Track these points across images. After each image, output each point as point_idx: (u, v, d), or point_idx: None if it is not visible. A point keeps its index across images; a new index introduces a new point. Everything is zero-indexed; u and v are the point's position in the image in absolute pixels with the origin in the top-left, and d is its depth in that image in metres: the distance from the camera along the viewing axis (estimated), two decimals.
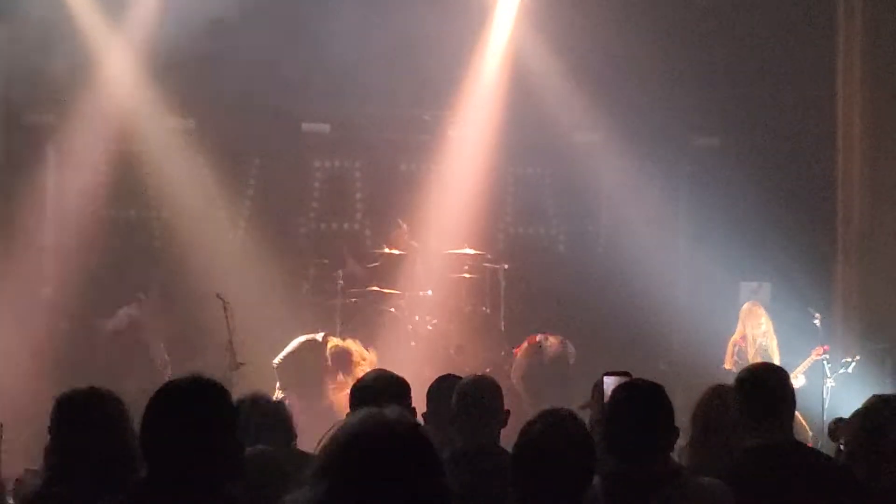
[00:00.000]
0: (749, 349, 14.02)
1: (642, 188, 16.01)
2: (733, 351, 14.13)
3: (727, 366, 13.86)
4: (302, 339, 13.97)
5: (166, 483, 4.12)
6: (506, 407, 6.27)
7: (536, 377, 14.57)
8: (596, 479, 4.73)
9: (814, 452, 6.00)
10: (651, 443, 4.97)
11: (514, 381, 14.44)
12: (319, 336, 14.13)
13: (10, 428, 8.78)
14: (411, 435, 3.05)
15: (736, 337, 14.26)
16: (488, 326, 15.39)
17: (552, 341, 14.66)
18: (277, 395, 13.58)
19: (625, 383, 5.23)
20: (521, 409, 13.86)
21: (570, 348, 14.72)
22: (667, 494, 4.88)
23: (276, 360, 13.73)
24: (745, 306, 14.48)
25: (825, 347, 13.84)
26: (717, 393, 6.55)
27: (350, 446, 3.01)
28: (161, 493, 4.12)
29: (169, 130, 15.84)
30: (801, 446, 5.93)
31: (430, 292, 15.38)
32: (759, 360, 13.56)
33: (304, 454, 6.34)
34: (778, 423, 5.72)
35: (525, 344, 14.75)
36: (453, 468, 5.19)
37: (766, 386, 5.82)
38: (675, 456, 6.29)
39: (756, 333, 14.14)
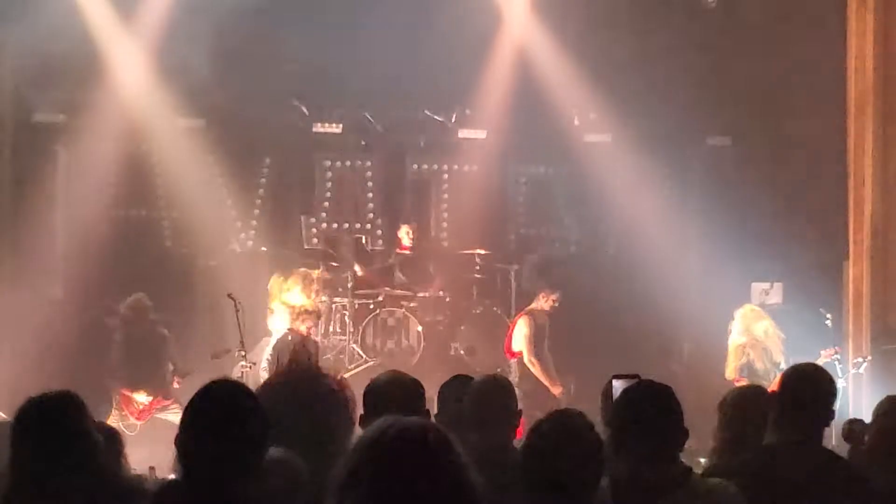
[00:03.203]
0: (755, 354, 13.91)
1: (654, 188, 16.00)
2: (741, 359, 13.87)
3: (731, 376, 13.51)
4: (275, 338, 13.58)
5: (199, 485, 4.15)
6: (519, 407, 6.27)
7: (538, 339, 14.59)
8: (605, 482, 4.72)
9: (827, 454, 5.91)
10: (660, 444, 4.95)
11: (528, 358, 14.46)
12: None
13: None
14: (436, 443, 2.96)
15: (739, 343, 14.02)
16: (499, 327, 15.38)
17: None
18: None
19: (633, 385, 5.22)
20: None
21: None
22: (676, 497, 4.86)
23: (263, 364, 13.41)
24: (744, 311, 14.25)
25: (837, 349, 13.78)
26: (746, 392, 6.54)
27: (371, 461, 2.90)
28: (194, 494, 4.15)
29: (179, 130, 15.85)
30: (814, 447, 5.82)
31: (440, 293, 15.38)
32: (760, 364, 13.48)
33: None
34: (799, 423, 5.67)
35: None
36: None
37: (796, 386, 5.78)
38: (705, 455, 6.27)
39: (759, 337, 14.01)
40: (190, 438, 4.23)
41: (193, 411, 4.28)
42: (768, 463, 5.57)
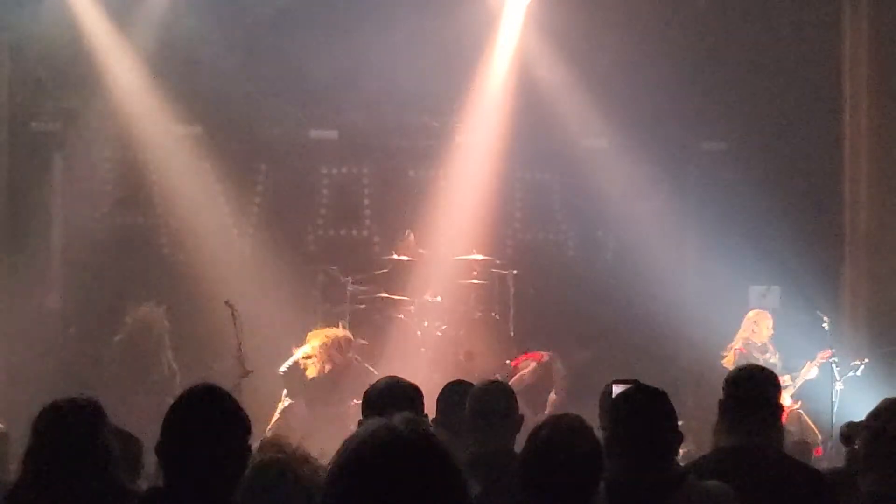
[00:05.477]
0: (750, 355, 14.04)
1: (650, 193, 16.00)
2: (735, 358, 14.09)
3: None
4: (306, 348, 13.95)
5: (183, 491, 4.14)
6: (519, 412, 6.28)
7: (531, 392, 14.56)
8: (601, 486, 4.73)
9: (785, 458, 5.92)
10: (654, 448, 4.96)
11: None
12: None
13: (19, 437, 8.80)
14: (424, 445, 2.82)
15: (735, 345, 14.26)
16: (498, 332, 15.37)
17: (558, 366, 14.60)
18: (284, 402, 13.61)
19: (627, 389, 5.24)
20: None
21: (558, 365, 14.66)
22: (673, 499, 4.87)
23: (282, 369, 13.71)
24: (750, 314, 14.52)
25: (832, 350, 13.83)
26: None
27: (355, 463, 2.76)
28: (177, 500, 4.14)
29: (176, 137, 15.85)
30: (772, 450, 5.83)
31: (439, 298, 15.35)
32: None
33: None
34: (754, 426, 5.69)
35: (525, 360, 14.67)
36: (468, 473, 5.18)
37: (745, 388, 5.80)
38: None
39: (755, 340, 14.15)
40: (171, 444, 4.21)
41: (174, 417, 4.26)
42: (721, 465, 5.58)
